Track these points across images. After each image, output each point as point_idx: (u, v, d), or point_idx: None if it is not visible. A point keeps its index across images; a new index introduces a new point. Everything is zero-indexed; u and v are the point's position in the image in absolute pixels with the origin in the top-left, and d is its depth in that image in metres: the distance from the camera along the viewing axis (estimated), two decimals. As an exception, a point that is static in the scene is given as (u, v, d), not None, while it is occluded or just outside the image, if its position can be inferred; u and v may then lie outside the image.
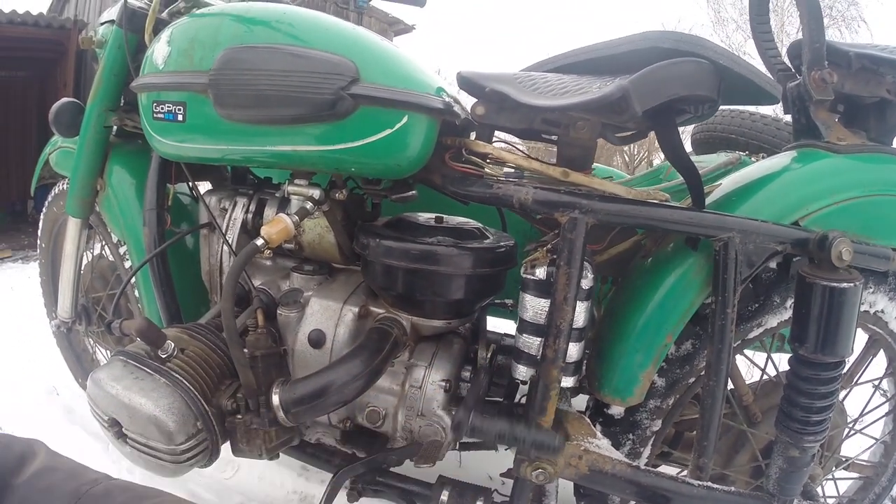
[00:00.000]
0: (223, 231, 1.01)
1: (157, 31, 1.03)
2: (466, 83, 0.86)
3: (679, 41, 0.76)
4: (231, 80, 0.84)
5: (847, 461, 1.13)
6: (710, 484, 0.88)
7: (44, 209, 1.53)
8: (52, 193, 1.49)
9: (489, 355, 0.94)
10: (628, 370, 0.87)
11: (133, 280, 1.21)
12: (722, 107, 1.51)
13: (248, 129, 0.86)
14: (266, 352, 0.83)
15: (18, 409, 1.57)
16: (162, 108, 0.92)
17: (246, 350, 0.83)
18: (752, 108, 1.46)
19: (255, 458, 0.81)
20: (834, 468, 1.12)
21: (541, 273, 0.82)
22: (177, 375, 0.79)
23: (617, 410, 0.93)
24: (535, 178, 0.84)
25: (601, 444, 0.88)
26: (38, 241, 1.58)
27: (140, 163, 1.20)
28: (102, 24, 1.23)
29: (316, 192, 0.88)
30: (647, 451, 0.96)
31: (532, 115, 0.82)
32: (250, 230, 1.02)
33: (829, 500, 1.15)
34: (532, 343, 0.84)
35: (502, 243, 0.90)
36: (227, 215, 1.03)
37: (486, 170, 0.84)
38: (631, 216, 0.79)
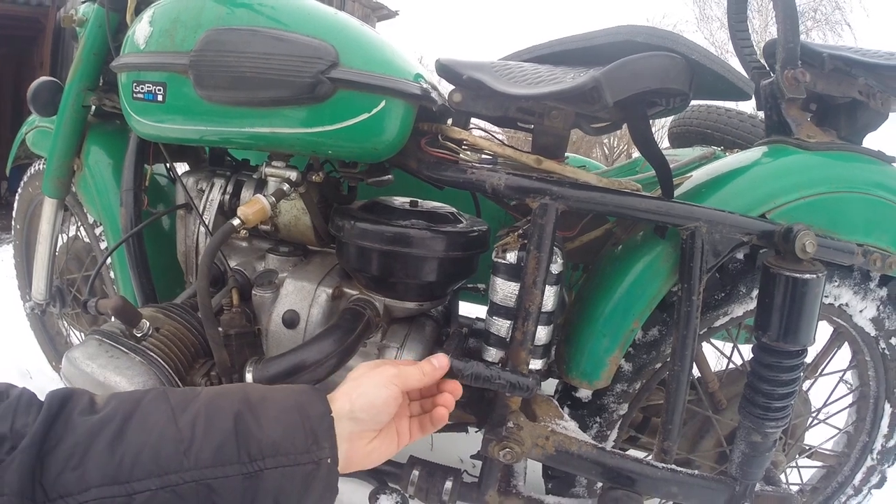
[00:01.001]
0: (200, 211, 1.03)
1: (139, 10, 1.05)
2: (445, 70, 0.89)
3: (652, 35, 0.80)
4: (212, 62, 0.86)
5: (810, 449, 1.19)
6: (674, 467, 0.92)
7: (19, 189, 1.53)
8: (28, 174, 1.49)
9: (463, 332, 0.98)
10: (595, 354, 0.91)
11: (108, 261, 1.22)
12: (698, 102, 1.55)
13: (227, 110, 0.88)
14: (240, 331, 0.85)
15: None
16: (142, 89, 0.94)
17: (220, 329, 0.86)
18: (728, 105, 1.50)
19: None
20: (797, 456, 1.17)
21: (511, 257, 0.85)
22: (152, 354, 0.81)
23: (584, 394, 0.97)
24: (508, 165, 0.87)
25: (568, 426, 0.92)
26: (13, 223, 1.58)
27: (118, 143, 1.21)
28: (83, 2, 1.24)
29: (293, 174, 0.91)
30: (613, 435, 1.00)
31: (507, 103, 0.86)
32: (227, 211, 1.04)
33: (792, 487, 1.21)
34: (502, 326, 0.88)
35: (475, 228, 0.94)
36: (204, 196, 1.05)
37: (461, 156, 0.87)
38: (601, 203, 0.83)
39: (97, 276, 1.12)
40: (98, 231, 1.27)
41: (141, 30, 0.95)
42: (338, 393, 0.58)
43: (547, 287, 0.83)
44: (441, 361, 0.66)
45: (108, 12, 1.10)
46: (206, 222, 1.02)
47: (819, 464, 1.22)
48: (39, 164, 1.44)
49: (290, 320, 0.93)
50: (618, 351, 0.91)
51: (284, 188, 0.89)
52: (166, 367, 0.81)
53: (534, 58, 0.90)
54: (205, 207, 1.04)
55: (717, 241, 0.87)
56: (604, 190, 0.83)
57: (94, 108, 1.22)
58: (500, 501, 0.95)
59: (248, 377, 0.82)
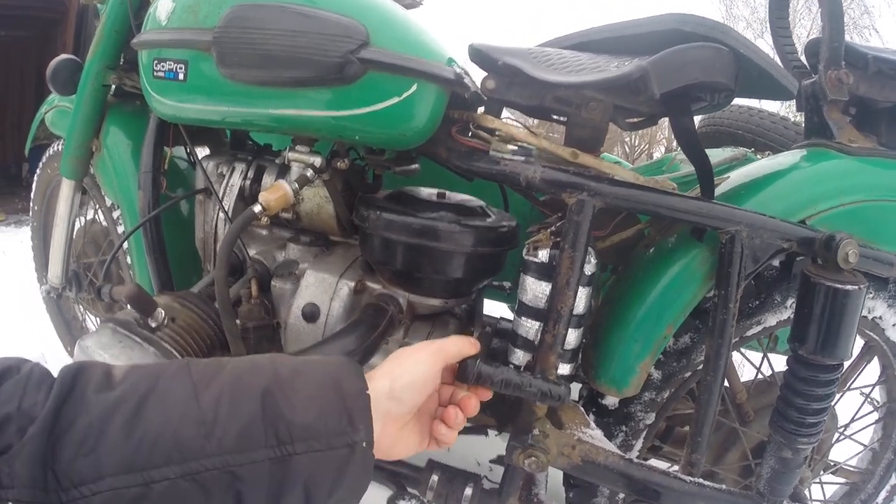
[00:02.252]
0: (219, 197, 0.97)
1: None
2: (478, 55, 0.82)
3: (700, 25, 0.73)
4: (236, 38, 0.80)
5: (835, 466, 1.12)
6: (701, 480, 0.86)
7: (38, 170, 1.48)
8: (47, 154, 1.44)
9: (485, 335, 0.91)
10: (626, 360, 0.85)
11: (125, 246, 1.17)
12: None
13: (250, 90, 0.82)
14: (259, 323, 0.79)
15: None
16: (162, 67, 0.88)
17: (238, 321, 0.80)
18: (759, 106, 1.43)
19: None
20: (822, 472, 1.11)
21: (543, 255, 0.79)
22: (166, 345, 0.75)
23: (611, 401, 0.90)
24: (543, 157, 0.81)
25: (595, 435, 0.85)
26: (31, 204, 1.52)
27: (138, 124, 1.14)
28: None
29: (317, 160, 0.85)
30: (638, 444, 0.94)
31: (544, 92, 0.79)
32: (247, 197, 0.98)
33: (814, 504, 1.14)
34: (530, 327, 0.81)
35: (505, 223, 0.87)
36: (225, 181, 0.99)
37: (493, 145, 0.80)
38: (640, 202, 0.76)
39: (113, 260, 1.06)
40: (116, 214, 1.21)
41: (163, 6, 0.89)
42: (377, 372, 0.53)
43: (580, 288, 0.77)
44: (475, 342, 0.60)
45: None
46: (226, 208, 0.96)
47: (843, 480, 1.15)
48: (58, 145, 1.39)
49: (311, 313, 0.87)
50: (649, 357, 0.84)
51: (308, 174, 0.83)
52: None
53: (573, 45, 0.83)
54: (225, 193, 0.98)
55: (756, 246, 0.80)
56: (643, 188, 0.76)
57: (114, 87, 1.16)
58: (519, 511, 0.89)
59: (265, 370, 0.76)
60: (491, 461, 0.91)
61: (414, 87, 0.76)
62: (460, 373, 0.60)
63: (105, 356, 0.75)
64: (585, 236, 0.75)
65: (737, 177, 0.92)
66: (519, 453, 0.82)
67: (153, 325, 0.78)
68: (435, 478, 0.88)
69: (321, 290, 0.89)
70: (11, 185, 4.26)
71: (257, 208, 0.76)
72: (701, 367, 0.89)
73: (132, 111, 1.18)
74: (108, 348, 0.76)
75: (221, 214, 0.98)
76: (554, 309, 0.77)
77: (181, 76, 0.86)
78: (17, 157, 4.37)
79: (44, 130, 1.42)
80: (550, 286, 0.78)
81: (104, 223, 1.34)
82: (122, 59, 1.15)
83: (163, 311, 0.78)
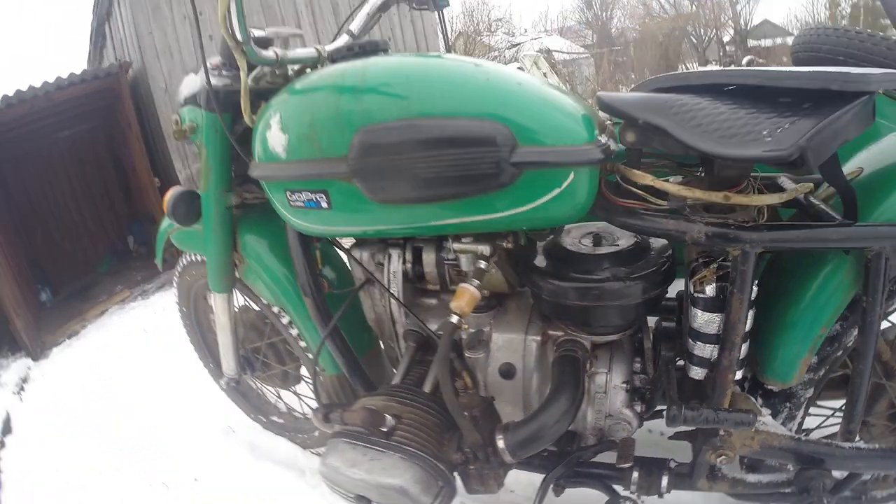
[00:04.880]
0: (387, 286, 1.00)
1: (253, 106, 0.91)
2: (610, 109, 0.79)
3: (847, 82, 0.68)
4: (378, 167, 0.78)
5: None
6: (858, 445, 0.90)
7: (175, 278, 1.49)
8: (181, 264, 1.43)
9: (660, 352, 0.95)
10: (787, 358, 0.88)
11: (293, 332, 1.19)
12: (826, 25, 1.36)
13: (406, 208, 0.81)
14: (482, 409, 0.84)
15: (203, 452, 1.53)
16: (299, 197, 0.86)
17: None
18: (858, 27, 1.28)
19: (489, 494, 0.85)
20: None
21: (710, 290, 0.81)
22: (407, 447, 0.79)
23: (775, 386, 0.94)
24: (697, 206, 0.80)
25: (767, 422, 0.91)
26: (178, 306, 1.54)
27: (271, 227, 1.13)
28: (183, 105, 1.12)
29: (486, 249, 0.86)
30: (800, 414, 0.98)
31: (689, 149, 0.77)
32: (412, 279, 1.01)
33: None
34: (705, 349, 0.85)
35: (663, 256, 0.89)
36: (385, 269, 1.00)
37: (650, 201, 0.80)
38: (794, 240, 0.76)
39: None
40: (275, 309, 1.21)
41: (275, 137, 0.86)
42: None
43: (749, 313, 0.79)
44: None
45: (221, 116, 0.97)
46: (397, 295, 0.99)
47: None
48: (189, 256, 1.38)
49: (507, 372, 0.94)
50: (808, 354, 0.87)
51: (482, 266, 0.85)
52: (424, 454, 0.79)
53: (708, 86, 0.79)
54: (389, 281, 1.00)
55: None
56: (797, 226, 0.76)
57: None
58: (709, 486, 0.96)
59: (500, 444, 0.83)
60: (669, 438, 0.97)
61: (571, 176, 0.76)
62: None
63: (358, 472, 0.78)
64: (751, 280, 0.77)
65: (869, 174, 0.84)
66: (710, 453, 0.89)
67: (385, 430, 0.81)
68: (636, 473, 0.94)
69: (511, 350, 0.94)
70: (124, 260, 4.09)
71: (454, 319, 0.80)
72: (852, 343, 0.91)
73: (260, 217, 1.16)
74: (357, 464, 0.78)
75: (392, 300, 1.01)
76: (728, 339, 0.81)
77: (324, 204, 0.85)
78: (119, 232, 4.29)
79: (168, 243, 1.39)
80: (719, 316, 0.81)
81: (255, 307, 1.36)
82: (233, 176, 1.12)
83: (390, 417, 0.82)
